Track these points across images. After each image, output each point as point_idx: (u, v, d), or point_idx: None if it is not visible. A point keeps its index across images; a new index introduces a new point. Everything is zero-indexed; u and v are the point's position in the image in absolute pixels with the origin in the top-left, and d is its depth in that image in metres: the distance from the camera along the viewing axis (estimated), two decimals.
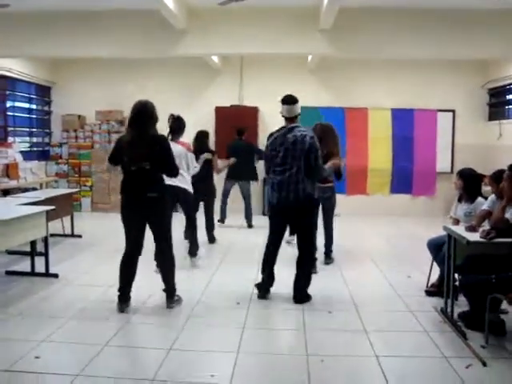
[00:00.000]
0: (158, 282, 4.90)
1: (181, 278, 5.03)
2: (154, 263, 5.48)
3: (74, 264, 6.44)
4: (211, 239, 7.89)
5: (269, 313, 4.83)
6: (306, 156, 4.92)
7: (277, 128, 5.16)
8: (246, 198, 9.20)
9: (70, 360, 3.73)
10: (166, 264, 4.85)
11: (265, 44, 7.93)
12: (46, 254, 5.75)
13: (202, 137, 7.72)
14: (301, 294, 5.09)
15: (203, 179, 7.12)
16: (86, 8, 7.85)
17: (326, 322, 4.56)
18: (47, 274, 5.72)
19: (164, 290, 4.84)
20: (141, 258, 4.79)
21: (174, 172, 4.78)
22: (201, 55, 9.24)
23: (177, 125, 6.22)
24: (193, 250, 6.59)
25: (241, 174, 9.07)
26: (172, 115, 6.22)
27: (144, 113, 4.62)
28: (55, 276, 5.71)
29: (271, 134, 5.20)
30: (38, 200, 6.70)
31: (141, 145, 4.52)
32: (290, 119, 5.08)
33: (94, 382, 3.34)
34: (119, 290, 4.72)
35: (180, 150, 6.03)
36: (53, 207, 5.94)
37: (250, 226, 9.26)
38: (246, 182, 9.17)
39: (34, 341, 3.92)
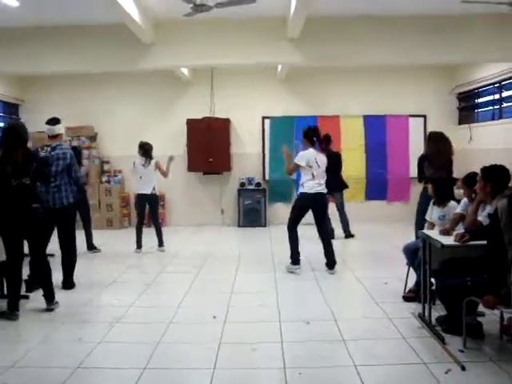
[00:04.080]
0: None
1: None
2: None
3: None
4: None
5: (245, 326, 4.72)
6: None
7: None
8: (341, 209, 9.10)
9: None
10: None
11: (233, 55, 7.86)
12: None
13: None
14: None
15: None
16: (51, 23, 7.72)
17: (303, 333, 4.49)
18: None
19: None
20: None
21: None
22: (169, 67, 9.14)
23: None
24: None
25: (337, 184, 8.88)
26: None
27: None
28: None
29: None
30: None
31: None
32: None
33: None
34: None
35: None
36: None
37: (348, 235, 9.10)
38: (340, 192, 9.10)
39: None
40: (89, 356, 3.97)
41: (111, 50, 7.94)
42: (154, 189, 8.01)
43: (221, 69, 10.27)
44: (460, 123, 10.91)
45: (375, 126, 10.85)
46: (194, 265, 7.15)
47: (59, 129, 5.97)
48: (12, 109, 10.98)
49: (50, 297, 5.18)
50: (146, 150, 8.05)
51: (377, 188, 10.88)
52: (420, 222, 6.26)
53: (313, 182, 6.52)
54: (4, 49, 7.95)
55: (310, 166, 6.51)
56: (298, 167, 6.63)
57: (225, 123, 10.57)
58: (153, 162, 8.03)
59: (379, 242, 8.61)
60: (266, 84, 10.73)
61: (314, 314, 4.94)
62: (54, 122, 5.96)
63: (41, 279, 5.27)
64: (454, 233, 4.36)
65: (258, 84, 10.73)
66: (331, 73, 10.51)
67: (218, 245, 8.91)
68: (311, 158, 6.53)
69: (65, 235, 5.94)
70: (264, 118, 10.85)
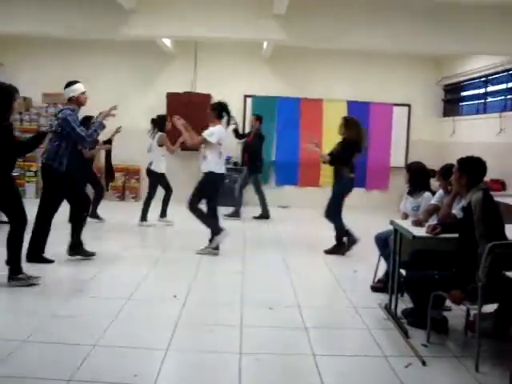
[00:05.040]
0: None
1: None
2: None
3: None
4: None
5: (206, 307, 4.58)
6: None
7: None
8: (260, 190, 9.17)
9: None
10: None
11: (216, 28, 7.61)
12: None
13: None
14: None
15: None
16: None
17: (265, 318, 4.34)
18: None
19: None
20: None
21: None
22: (149, 37, 8.80)
23: None
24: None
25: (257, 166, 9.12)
26: None
27: None
28: None
29: None
30: None
31: None
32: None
33: None
34: None
35: None
36: None
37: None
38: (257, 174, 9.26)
39: None
40: (37, 330, 3.78)
41: (91, 15, 7.66)
42: (151, 164, 7.85)
43: (205, 44, 10.04)
44: (444, 115, 10.81)
45: (359, 112, 10.57)
46: (161, 242, 6.99)
47: (69, 92, 5.57)
48: None
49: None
50: (154, 120, 7.95)
51: (356, 175, 10.71)
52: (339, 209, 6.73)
53: (221, 161, 6.38)
54: None
55: (220, 144, 6.33)
56: (204, 143, 6.35)
57: (206, 99, 10.28)
58: (157, 135, 7.79)
59: (355, 230, 8.47)
60: (250, 62, 10.52)
61: (278, 299, 4.79)
62: (66, 85, 5.61)
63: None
64: (427, 224, 4.24)
65: (241, 62, 10.51)
66: (317, 55, 10.32)
67: (190, 222, 8.68)
68: (222, 136, 6.35)
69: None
70: (246, 96, 10.63)
